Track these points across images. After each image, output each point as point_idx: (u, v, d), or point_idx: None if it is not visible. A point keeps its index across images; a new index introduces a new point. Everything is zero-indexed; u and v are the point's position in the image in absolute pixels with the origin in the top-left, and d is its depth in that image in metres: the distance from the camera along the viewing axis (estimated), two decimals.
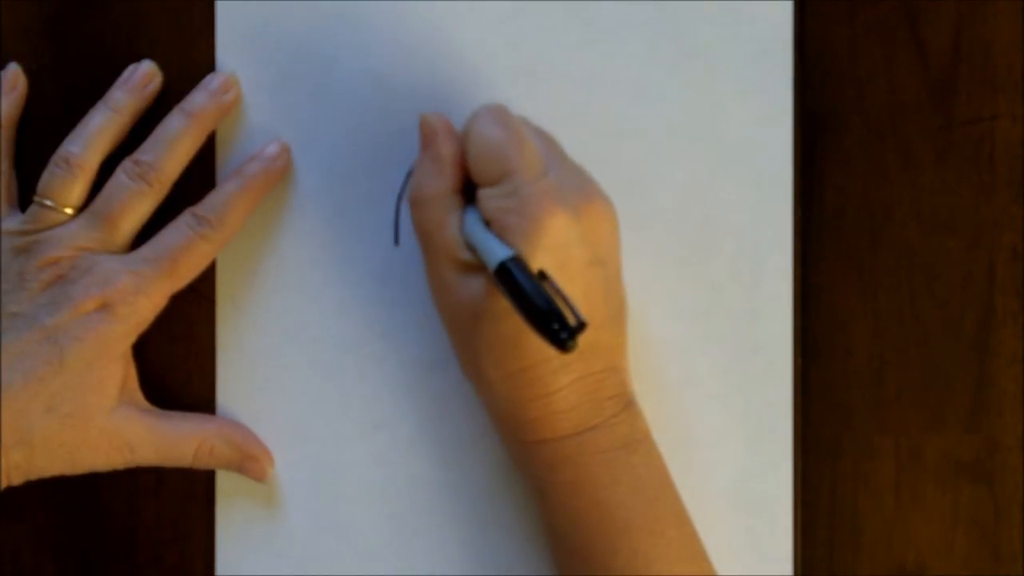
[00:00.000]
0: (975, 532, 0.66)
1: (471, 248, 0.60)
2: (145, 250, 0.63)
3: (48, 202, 0.64)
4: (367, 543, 0.67)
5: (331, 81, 0.66)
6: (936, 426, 0.63)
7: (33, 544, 0.67)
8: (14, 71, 0.66)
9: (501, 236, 0.58)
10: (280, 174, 0.66)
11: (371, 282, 0.67)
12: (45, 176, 0.64)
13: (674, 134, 0.66)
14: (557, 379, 0.60)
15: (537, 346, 0.59)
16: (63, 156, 0.64)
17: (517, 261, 0.56)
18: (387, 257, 0.67)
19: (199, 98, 0.65)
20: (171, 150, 0.64)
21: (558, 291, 0.55)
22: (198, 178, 0.65)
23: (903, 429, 0.66)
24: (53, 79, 0.67)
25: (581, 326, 0.54)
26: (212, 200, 0.64)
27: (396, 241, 0.67)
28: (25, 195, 0.65)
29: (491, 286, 0.59)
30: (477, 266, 0.60)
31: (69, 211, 0.64)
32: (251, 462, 0.66)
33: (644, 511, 0.60)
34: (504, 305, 0.58)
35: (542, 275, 0.56)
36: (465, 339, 0.61)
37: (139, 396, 0.66)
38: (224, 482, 0.67)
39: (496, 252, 0.57)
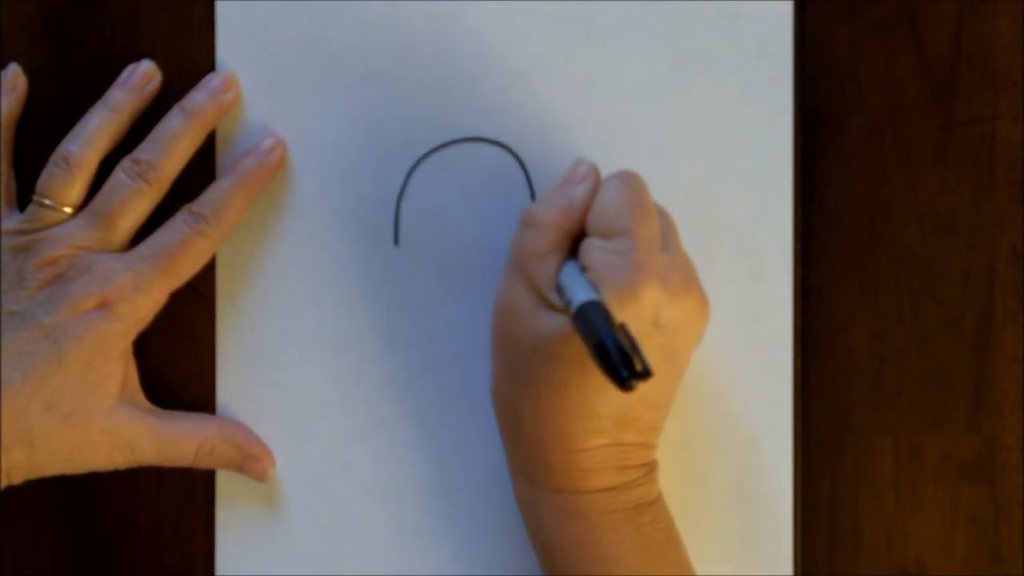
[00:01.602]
0: (975, 532, 0.66)
1: (559, 292, 0.59)
2: (143, 248, 0.64)
3: (47, 201, 0.64)
4: (367, 543, 0.67)
5: (331, 81, 0.66)
6: (936, 426, 0.63)
7: (33, 544, 0.67)
8: (14, 71, 0.66)
9: (597, 283, 0.58)
10: (276, 169, 0.66)
11: (371, 282, 0.67)
12: (44, 175, 0.64)
13: (674, 134, 0.66)
14: (588, 439, 0.59)
15: (581, 402, 0.58)
16: (62, 155, 0.64)
17: (602, 306, 0.56)
18: (387, 257, 0.67)
19: (198, 97, 0.65)
20: (170, 149, 0.64)
21: (632, 340, 0.54)
22: (198, 177, 0.65)
23: (903, 429, 0.66)
24: (53, 79, 0.67)
25: (646, 372, 0.53)
26: (209, 197, 0.64)
27: (396, 241, 0.67)
28: (24, 195, 0.65)
29: (562, 329, 0.58)
30: (557, 308, 0.59)
31: (68, 210, 0.64)
32: (252, 462, 0.66)
33: (649, 569, 0.60)
34: (567, 351, 0.58)
35: (621, 326, 0.55)
36: (513, 367, 0.60)
37: (140, 395, 0.66)
38: (224, 482, 0.67)
39: (583, 294, 0.57)
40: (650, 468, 0.61)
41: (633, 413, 0.59)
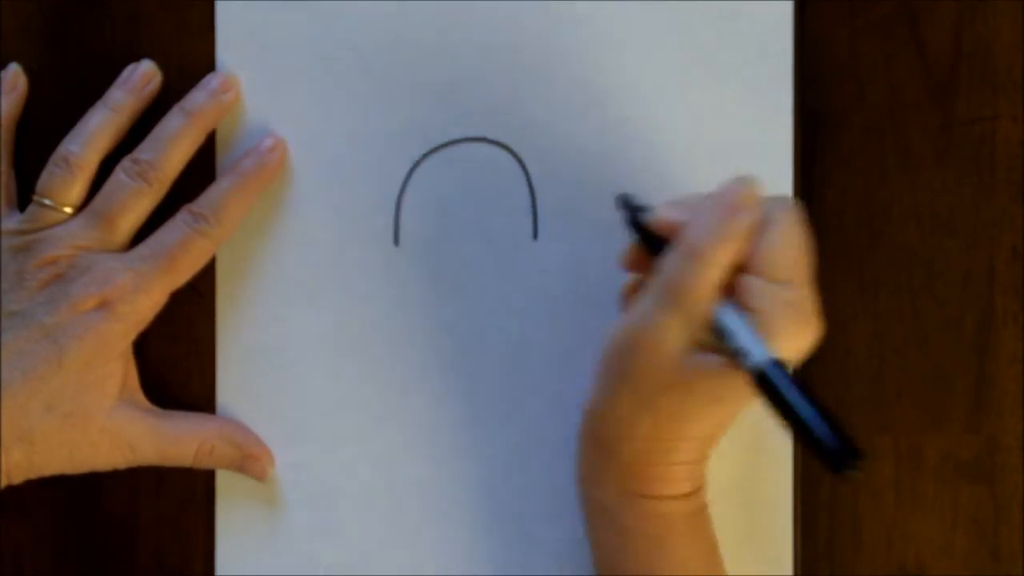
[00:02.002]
0: (975, 532, 0.66)
1: (717, 333, 0.57)
2: (143, 248, 0.64)
3: (47, 201, 0.64)
4: (367, 543, 0.67)
5: (331, 81, 0.66)
6: (936, 426, 0.63)
7: (33, 544, 0.67)
8: (14, 71, 0.66)
9: (764, 331, 0.56)
10: (276, 169, 0.66)
11: (371, 282, 0.67)
12: (44, 175, 0.64)
13: (674, 134, 0.66)
14: (688, 455, 0.60)
15: (699, 429, 0.59)
16: (62, 155, 0.64)
17: (781, 367, 0.55)
18: (387, 257, 0.67)
19: (198, 97, 0.65)
20: (170, 149, 0.64)
21: (838, 420, 0.53)
22: (198, 177, 0.65)
23: (903, 429, 0.66)
24: (53, 79, 0.67)
25: (862, 456, 0.52)
26: (209, 197, 0.64)
27: (396, 241, 0.67)
28: (25, 195, 0.65)
29: (711, 369, 0.57)
30: (708, 346, 0.58)
31: (68, 210, 0.64)
32: (251, 461, 0.66)
33: (708, 568, 0.62)
34: (706, 388, 0.58)
35: (803, 384, 0.54)
36: (639, 396, 0.59)
37: (140, 395, 0.66)
38: (224, 482, 0.67)
39: (758, 350, 0.55)
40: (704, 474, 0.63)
41: (724, 431, 0.61)
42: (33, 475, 0.63)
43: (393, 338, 0.67)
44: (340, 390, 0.67)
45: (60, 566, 0.67)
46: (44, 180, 0.64)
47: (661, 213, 0.60)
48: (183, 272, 0.64)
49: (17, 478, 0.63)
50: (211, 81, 0.65)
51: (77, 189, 0.64)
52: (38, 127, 0.66)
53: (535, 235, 0.67)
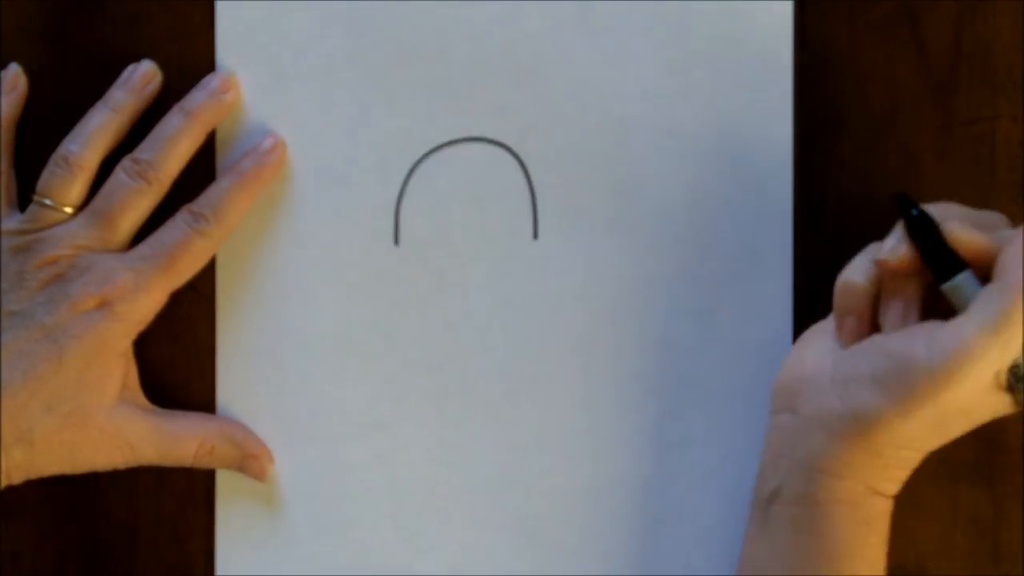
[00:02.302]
0: (975, 532, 0.66)
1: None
2: (143, 248, 0.64)
3: (47, 201, 0.64)
4: (367, 543, 0.67)
5: (331, 81, 0.66)
6: None
7: (33, 544, 0.67)
8: (14, 71, 0.66)
9: None
10: (275, 169, 0.66)
11: (371, 282, 0.67)
12: (44, 175, 0.64)
13: (674, 134, 0.66)
14: (911, 456, 0.61)
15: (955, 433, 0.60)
16: (62, 155, 0.64)
17: None
18: (387, 257, 0.67)
19: (198, 97, 0.65)
20: (170, 149, 0.64)
21: None
22: (198, 177, 0.65)
23: None
24: (53, 79, 0.67)
25: None
26: (208, 197, 0.64)
27: (396, 241, 0.67)
28: (25, 195, 0.65)
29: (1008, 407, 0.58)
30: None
31: (68, 210, 0.64)
32: (251, 460, 0.66)
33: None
34: (984, 419, 0.59)
35: None
36: (941, 409, 0.58)
37: (140, 395, 0.66)
38: (224, 482, 0.67)
39: None
40: None
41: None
42: (33, 475, 0.63)
43: (393, 338, 0.67)
44: (340, 390, 0.67)
45: (60, 566, 0.67)
46: (44, 180, 0.64)
47: (961, 233, 0.59)
48: (183, 272, 0.64)
49: (17, 478, 0.63)
50: (211, 81, 0.65)
51: (77, 189, 0.64)
52: (38, 127, 0.66)
53: (535, 235, 0.67)
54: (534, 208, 0.67)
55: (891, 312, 0.60)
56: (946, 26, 0.66)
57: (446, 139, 0.66)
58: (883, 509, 0.61)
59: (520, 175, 0.67)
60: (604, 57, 0.66)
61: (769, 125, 0.66)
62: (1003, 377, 0.57)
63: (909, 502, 0.64)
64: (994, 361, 0.57)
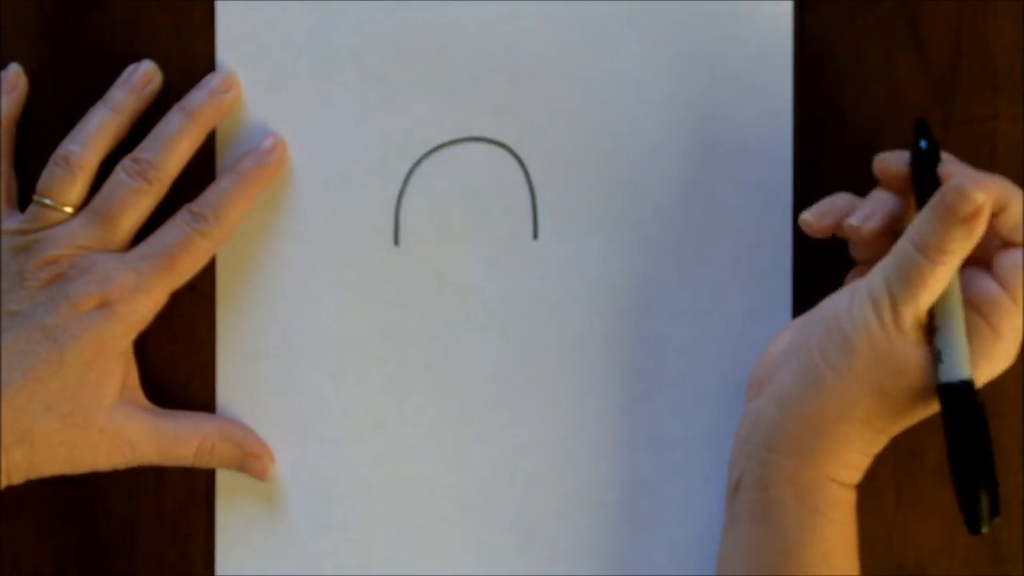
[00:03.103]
0: None
1: (931, 328, 0.59)
2: (143, 248, 0.64)
3: (48, 201, 0.64)
4: (367, 543, 0.67)
5: (331, 81, 0.66)
6: (936, 426, 0.63)
7: (33, 544, 0.67)
8: (14, 71, 0.66)
9: (985, 349, 0.58)
10: (275, 169, 0.66)
11: (371, 282, 0.67)
12: (45, 175, 0.64)
13: (674, 134, 0.66)
14: (878, 447, 0.61)
15: (904, 420, 0.60)
16: (62, 155, 0.64)
17: (970, 390, 0.57)
18: (387, 257, 0.67)
19: (199, 96, 0.65)
20: (170, 148, 0.64)
21: (986, 455, 0.55)
22: (198, 177, 0.65)
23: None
24: (53, 79, 0.67)
25: (998, 513, 0.55)
26: (208, 197, 0.64)
27: (396, 241, 0.67)
28: (25, 195, 0.65)
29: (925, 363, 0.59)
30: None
31: (69, 210, 0.64)
32: (252, 460, 0.66)
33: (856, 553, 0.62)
34: (922, 384, 0.59)
35: (982, 421, 0.56)
36: (861, 365, 0.59)
37: (140, 395, 0.66)
38: (224, 482, 0.67)
39: (952, 364, 0.57)
40: None
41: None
42: (33, 475, 0.63)
43: (393, 338, 0.67)
44: (340, 390, 0.67)
45: (60, 566, 0.67)
46: (44, 180, 0.64)
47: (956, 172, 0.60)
48: (183, 272, 0.64)
49: (17, 478, 0.63)
50: (211, 80, 0.65)
51: (77, 189, 0.64)
52: (38, 127, 0.66)
53: (535, 235, 0.67)
54: (534, 208, 0.67)
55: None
56: (946, 26, 0.66)
57: (446, 139, 0.66)
58: (840, 498, 0.60)
59: (520, 175, 0.67)
60: (604, 57, 0.66)
61: (769, 125, 0.66)
62: (922, 327, 0.58)
63: (909, 502, 0.64)
64: (903, 311, 0.58)
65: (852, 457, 0.60)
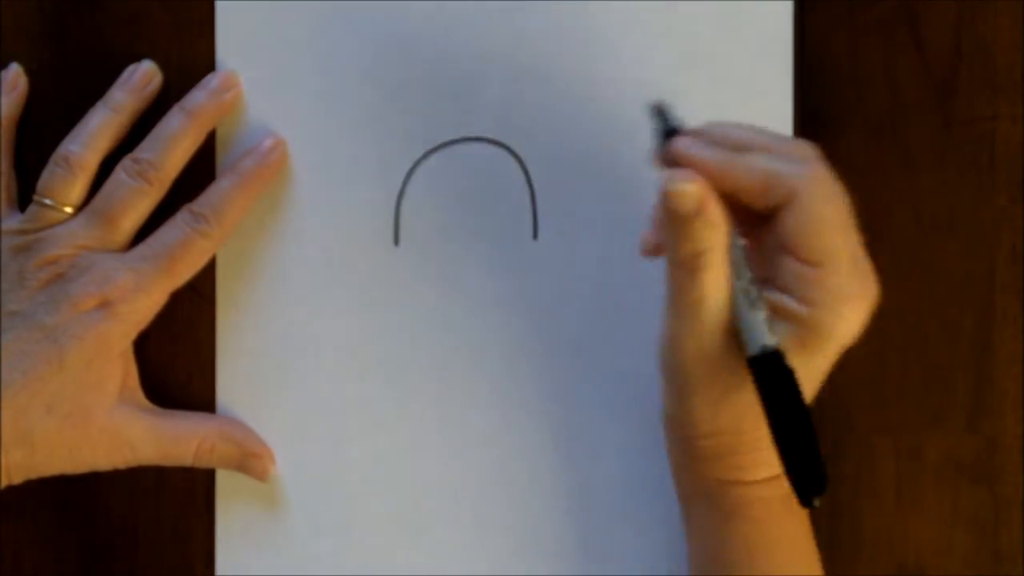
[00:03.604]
0: (975, 532, 0.66)
1: (736, 316, 0.57)
2: (143, 248, 0.64)
3: (48, 201, 0.64)
4: (367, 543, 0.67)
5: (331, 81, 0.66)
6: (936, 426, 0.63)
7: (33, 544, 0.67)
8: (14, 71, 0.66)
9: (795, 322, 0.56)
10: (275, 169, 0.66)
11: (371, 282, 0.67)
12: (45, 175, 0.64)
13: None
14: (757, 428, 0.59)
15: (750, 398, 0.58)
16: (63, 155, 0.64)
17: (777, 357, 0.55)
18: (387, 257, 0.67)
19: (199, 96, 0.65)
20: (171, 148, 0.64)
21: (804, 419, 0.54)
22: (198, 177, 0.65)
23: (903, 429, 0.66)
24: (53, 79, 0.67)
25: (826, 482, 0.53)
26: (209, 197, 0.64)
27: (396, 241, 0.67)
28: (25, 195, 0.65)
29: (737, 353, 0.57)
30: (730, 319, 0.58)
31: (69, 210, 0.64)
32: (252, 460, 0.66)
33: (814, 553, 0.61)
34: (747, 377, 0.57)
35: (793, 388, 0.54)
36: (701, 388, 0.58)
37: (140, 395, 0.66)
38: (224, 482, 0.67)
39: (754, 336, 0.56)
40: None
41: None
42: (33, 475, 0.63)
43: (393, 338, 0.67)
44: (340, 390, 0.67)
45: (60, 566, 0.67)
46: (45, 180, 0.64)
47: (686, 149, 0.57)
48: (183, 272, 0.64)
49: (17, 478, 0.63)
50: (211, 80, 0.65)
51: (78, 189, 0.64)
52: (38, 127, 0.66)
53: (535, 235, 0.67)
54: (534, 208, 0.67)
55: None
56: (946, 26, 0.66)
57: (446, 139, 0.66)
58: (751, 497, 0.60)
59: (520, 175, 0.67)
60: (604, 57, 0.66)
61: (769, 125, 0.66)
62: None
63: (909, 502, 0.64)
64: (691, 336, 0.57)
65: (737, 459, 0.60)
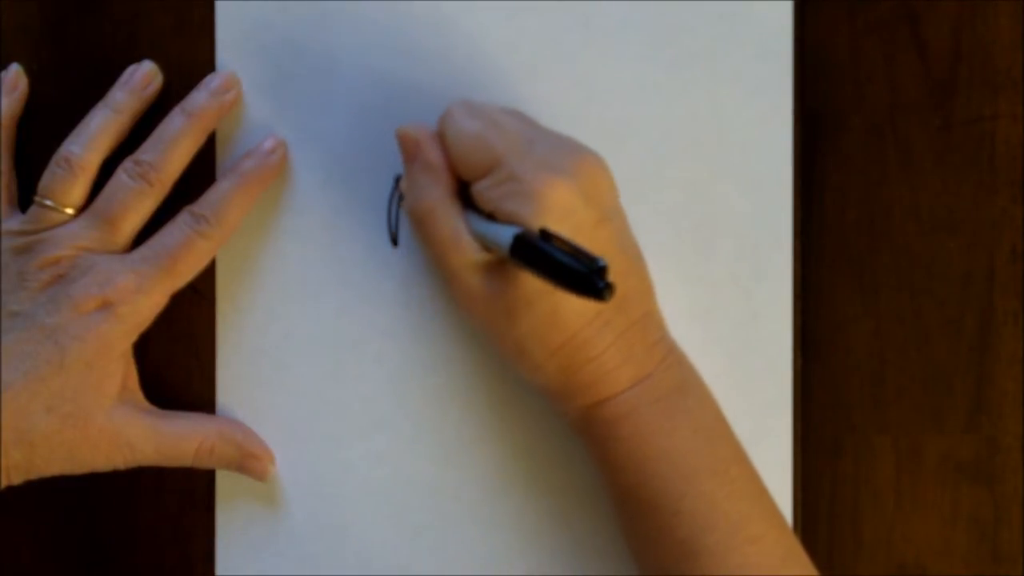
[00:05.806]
0: (975, 532, 0.66)
1: (485, 246, 0.60)
2: (144, 249, 0.64)
3: (48, 202, 0.64)
4: (367, 543, 0.67)
5: (331, 81, 0.66)
6: (936, 426, 0.63)
7: (33, 544, 0.67)
8: (15, 71, 0.66)
9: (508, 222, 0.58)
10: (276, 170, 0.66)
11: (371, 282, 0.67)
12: (46, 176, 0.64)
13: (674, 134, 0.66)
14: (603, 338, 0.60)
15: (576, 314, 0.59)
16: (63, 156, 0.64)
17: (524, 236, 0.56)
18: (387, 257, 0.67)
19: (199, 97, 0.65)
20: (171, 150, 0.64)
21: (569, 243, 0.55)
22: (198, 178, 0.65)
23: (903, 429, 0.66)
24: (53, 79, 0.67)
25: (603, 269, 0.53)
26: (209, 198, 0.64)
27: (395, 242, 0.67)
28: (25, 195, 0.65)
29: (514, 275, 0.59)
30: (495, 263, 0.60)
31: (70, 211, 0.64)
32: (252, 461, 0.66)
33: (706, 452, 0.60)
34: (532, 287, 0.58)
35: (546, 234, 0.55)
36: (503, 334, 0.61)
37: (139, 396, 0.66)
38: (224, 482, 0.67)
39: (505, 236, 0.57)
40: (671, 346, 0.62)
41: (621, 289, 0.58)
42: (33, 476, 0.63)
43: (393, 338, 0.67)
44: (340, 390, 0.67)
45: (60, 566, 0.67)
46: (45, 181, 0.64)
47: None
48: (184, 273, 0.64)
49: (17, 479, 0.63)
50: (212, 81, 0.65)
51: (79, 190, 0.64)
52: (38, 127, 0.66)
53: None
54: None
55: None
56: (946, 26, 0.66)
57: None
58: (614, 416, 0.60)
59: None
60: (604, 57, 0.66)
61: (769, 125, 0.66)
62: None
63: (909, 502, 0.64)
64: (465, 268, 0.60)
65: (583, 375, 0.60)
